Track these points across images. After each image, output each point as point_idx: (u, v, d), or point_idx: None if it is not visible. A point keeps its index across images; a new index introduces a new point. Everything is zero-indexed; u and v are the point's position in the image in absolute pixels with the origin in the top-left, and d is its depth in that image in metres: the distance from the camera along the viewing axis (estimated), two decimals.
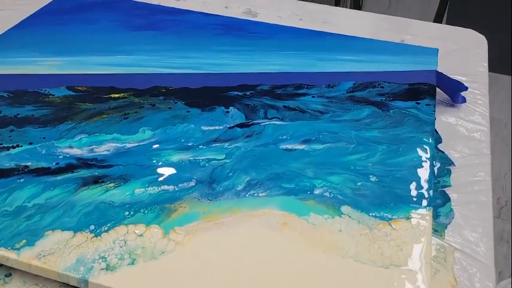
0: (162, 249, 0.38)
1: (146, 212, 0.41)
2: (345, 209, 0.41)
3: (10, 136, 0.48)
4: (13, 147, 0.47)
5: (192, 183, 0.43)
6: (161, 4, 0.77)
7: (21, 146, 0.47)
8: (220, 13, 0.77)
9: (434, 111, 0.53)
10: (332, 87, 0.57)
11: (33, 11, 0.74)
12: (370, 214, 0.41)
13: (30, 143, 0.47)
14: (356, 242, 0.38)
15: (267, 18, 0.80)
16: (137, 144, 0.48)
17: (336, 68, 0.60)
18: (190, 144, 0.48)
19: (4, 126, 0.49)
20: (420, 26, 0.79)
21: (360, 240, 0.39)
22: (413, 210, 0.41)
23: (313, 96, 0.55)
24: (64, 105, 0.52)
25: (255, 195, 0.42)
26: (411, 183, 0.44)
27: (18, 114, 0.51)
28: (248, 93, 0.55)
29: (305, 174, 0.45)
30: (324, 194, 0.43)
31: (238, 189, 0.43)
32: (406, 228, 0.39)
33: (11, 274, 0.39)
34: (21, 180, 0.43)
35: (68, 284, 0.38)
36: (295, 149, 0.47)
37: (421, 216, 0.41)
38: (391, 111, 0.53)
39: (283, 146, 0.48)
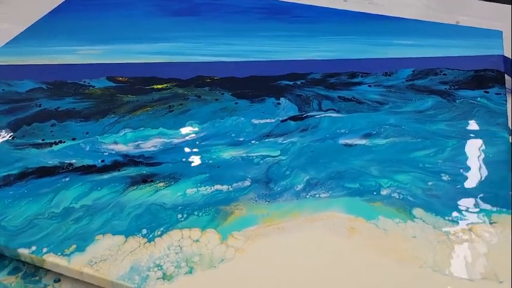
0: (220, 256, 0.35)
1: (200, 214, 0.38)
2: (417, 212, 0.37)
3: (52, 131, 0.45)
4: (55, 143, 0.44)
5: (247, 183, 0.40)
6: None
7: (64, 142, 0.44)
8: None
9: (506, 100, 0.48)
10: (389, 75, 0.52)
11: None
12: (446, 218, 0.37)
13: (73, 139, 0.44)
14: (434, 250, 0.35)
15: (309, 0, 0.75)
16: (185, 139, 0.45)
17: (392, 53, 0.56)
18: (241, 139, 0.44)
19: (45, 120, 0.46)
20: (476, 6, 0.74)
21: (438, 248, 0.35)
22: (495, 214, 0.37)
23: (369, 86, 0.51)
24: (105, 98, 0.50)
25: (317, 196, 0.39)
26: (488, 182, 0.39)
27: (58, 108, 0.48)
28: (299, 82, 0.52)
29: (369, 172, 0.41)
30: (392, 195, 0.39)
31: (298, 189, 0.39)
32: (489, 235, 0.35)
33: (59, 280, 0.37)
34: (67, 179, 0.40)
35: None
36: (355, 144, 0.44)
37: (505, 221, 0.36)
38: (457, 101, 0.48)
39: (342, 141, 0.44)
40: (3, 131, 0.45)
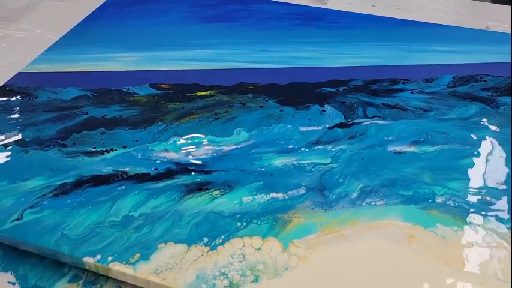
0: (284, 264, 0.35)
1: (259, 222, 0.38)
2: (475, 219, 0.38)
3: (102, 139, 0.46)
4: (107, 151, 0.44)
5: (302, 191, 0.40)
6: None
7: (116, 150, 0.44)
8: (291, 0, 0.73)
9: None
10: (430, 82, 0.53)
11: (94, 1, 0.72)
12: (505, 225, 0.37)
13: (124, 147, 0.45)
14: (496, 258, 0.35)
15: (337, 5, 0.76)
16: (235, 147, 0.45)
17: (430, 60, 0.56)
18: (290, 146, 0.45)
19: (94, 128, 0.47)
20: (502, 11, 0.74)
21: (500, 255, 0.35)
22: None
23: (412, 92, 0.51)
24: (151, 105, 0.50)
25: (372, 204, 0.39)
26: None
27: (105, 115, 0.49)
28: (341, 89, 0.52)
29: (421, 180, 0.41)
30: (448, 203, 0.39)
31: (353, 197, 0.40)
32: None
33: (120, 287, 0.37)
34: (123, 188, 0.41)
35: None
36: (404, 152, 0.44)
37: None
38: (501, 108, 0.49)
39: (391, 148, 0.44)
40: (53, 139, 0.46)
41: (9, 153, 0.44)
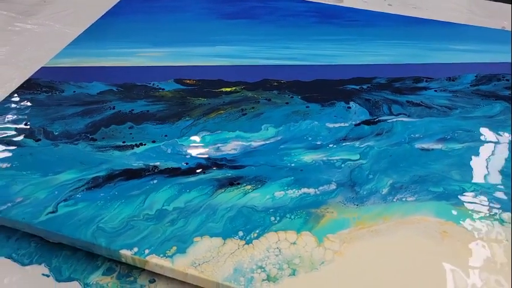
0: (320, 258, 0.35)
1: (292, 217, 0.38)
2: (505, 216, 0.38)
3: (131, 134, 0.46)
4: (137, 145, 0.45)
5: (333, 186, 0.41)
6: None
7: (145, 145, 0.45)
8: None
9: None
10: (453, 80, 0.53)
11: None
12: None
13: (153, 141, 0.45)
14: None
15: (352, 3, 0.76)
16: (263, 142, 0.45)
17: (451, 58, 0.57)
18: (318, 143, 0.45)
19: (122, 123, 0.47)
20: None
21: None
22: None
23: (435, 90, 0.52)
24: (177, 100, 0.50)
25: (403, 199, 0.40)
26: None
27: (132, 110, 0.49)
28: (365, 86, 0.52)
29: (450, 176, 0.42)
30: (478, 199, 0.40)
31: (383, 193, 0.40)
32: None
33: (155, 280, 0.38)
34: (155, 182, 0.41)
35: None
36: (432, 149, 0.44)
37: None
38: None
39: (418, 146, 0.45)
40: (82, 132, 0.46)
41: (39, 147, 0.44)
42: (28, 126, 0.46)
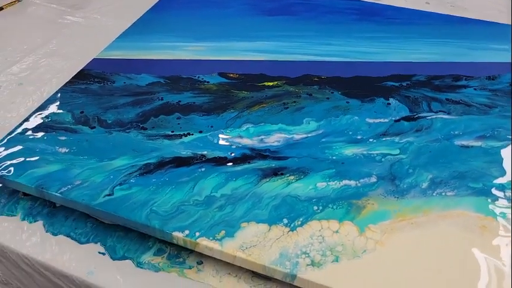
0: (362, 247, 0.37)
1: (335, 207, 0.40)
2: None
3: (179, 124, 0.48)
4: (184, 135, 0.47)
5: (374, 179, 0.42)
6: None
7: (192, 135, 0.47)
8: None
9: None
10: (493, 79, 0.54)
11: None
12: None
13: (200, 132, 0.47)
14: None
15: (391, 1, 0.77)
16: (305, 135, 0.47)
17: (490, 57, 0.57)
18: (359, 137, 0.47)
19: (170, 113, 0.49)
20: None
21: None
22: None
23: (475, 89, 0.52)
24: (221, 93, 0.52)
25: (443, 194, 0.41)
26: None
27: (180, 101, 0.51)
28: (404, 84, 0.53)
29: (490, 173, 0.43)
30: None
31: (423, 187, 0.42)
32: None
33: (202, 262, 0.40)
34: (202, 170, 0.43)
35: (260, 275, 0.38)
36: (471, 146, 0.45)
37: None
38: None
39: (458, 142, 0.46)
40: (133, 121, 0.48)
41: (94, 134, 0.47)
42: (83, 114, 0.49)
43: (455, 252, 0.37)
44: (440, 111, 0.50)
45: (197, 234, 0.38)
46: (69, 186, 0.41)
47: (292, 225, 0.39)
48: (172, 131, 0.47)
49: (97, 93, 0.52)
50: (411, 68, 0.56)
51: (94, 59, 0.57)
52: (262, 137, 0.47)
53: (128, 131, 0.47)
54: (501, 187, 0.41)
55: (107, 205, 0.40)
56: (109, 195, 0.41)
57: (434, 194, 0.41)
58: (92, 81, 0.54)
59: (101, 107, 0.50)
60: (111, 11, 0.74)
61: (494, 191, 0.41)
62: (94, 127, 0.48)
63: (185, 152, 0.45)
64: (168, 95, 0.52)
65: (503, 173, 0.43)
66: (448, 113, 0.49)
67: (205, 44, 0.60)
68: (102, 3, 0.76)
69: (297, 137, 0.47)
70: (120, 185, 0.42)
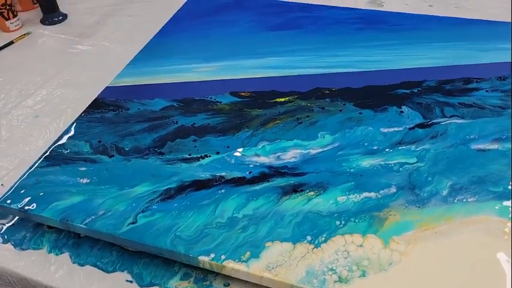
0: (388, 260, 0.37)
1: (357, 221, 0.40)
2: None
3: (195, 146, 0.49)
4: (202, 157, 0.48)
5: (393, 190, 0.42)
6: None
7: (210, 156, 0.48)
8: (347, 4, 0.75)
9: None
10: (504, 80, 0.54)
11: (161, 13, 0.75)
12: None
13: (217, 153, 0.48)
14: None
15: (393, 6, 0.77)
16: (321, 150, 0.47)
17: (499, 58, 0.57)
18: (375, 148, 0.47)
19: (186, 136, 0.50)
20: None
21: None
22: None
23: (487, 91, 0.52)
24: (235, 112, 0.53)
25: (464, 200, 0.41)
26: None
27: (194, 124, 0.52)
28: (415, 90, 0.54)
29: (509, 176, 0.43)
30: None
31: (444, 194, 0.42)
32: None
33: (229, 284, 0.40)
34: (222, 191, 0.44)
35: None
36: (488, 149, 0.45)
37: None
38: None
39: (474, 146, 0.46)
40: (151, 147, 0.49)
41: (113, 162, 0.48)
42: (101, 143, 0.50)
43: (481, 259, 0.37)
44: (453, 115, 0.50)
45: (223, 257, 0.38)
46: (93, 217, 0.42)
47: (316, 242, 0.39)
48: (190, 154, 0.48)
49: (113, 121, 0.53)
50: (420, 74, 0.56)
51: (107, 87, 0.58)
52: (279, 154, 0.47)
53: (146, 157, 0.48)
54: None
55: (132, 233, 0.41)
56: (133, 223, 0.41)
57: (455, 201, 0.41)
58: (107, 110, 0.55)
59: (117, 134, 0.51)
60: (118, 37, 0.75)
61: None
62: (113, 155, 0.48)
63: (204, 175, 0.46)
64: (182, 118, 0.53)
65: None
66: (462, 117, 0.49)
67: (215, 64, 0.61)
68: (108, 31, 0.77)
69: (313, 151, 0.47)
70: (143, 212, 0.42)
